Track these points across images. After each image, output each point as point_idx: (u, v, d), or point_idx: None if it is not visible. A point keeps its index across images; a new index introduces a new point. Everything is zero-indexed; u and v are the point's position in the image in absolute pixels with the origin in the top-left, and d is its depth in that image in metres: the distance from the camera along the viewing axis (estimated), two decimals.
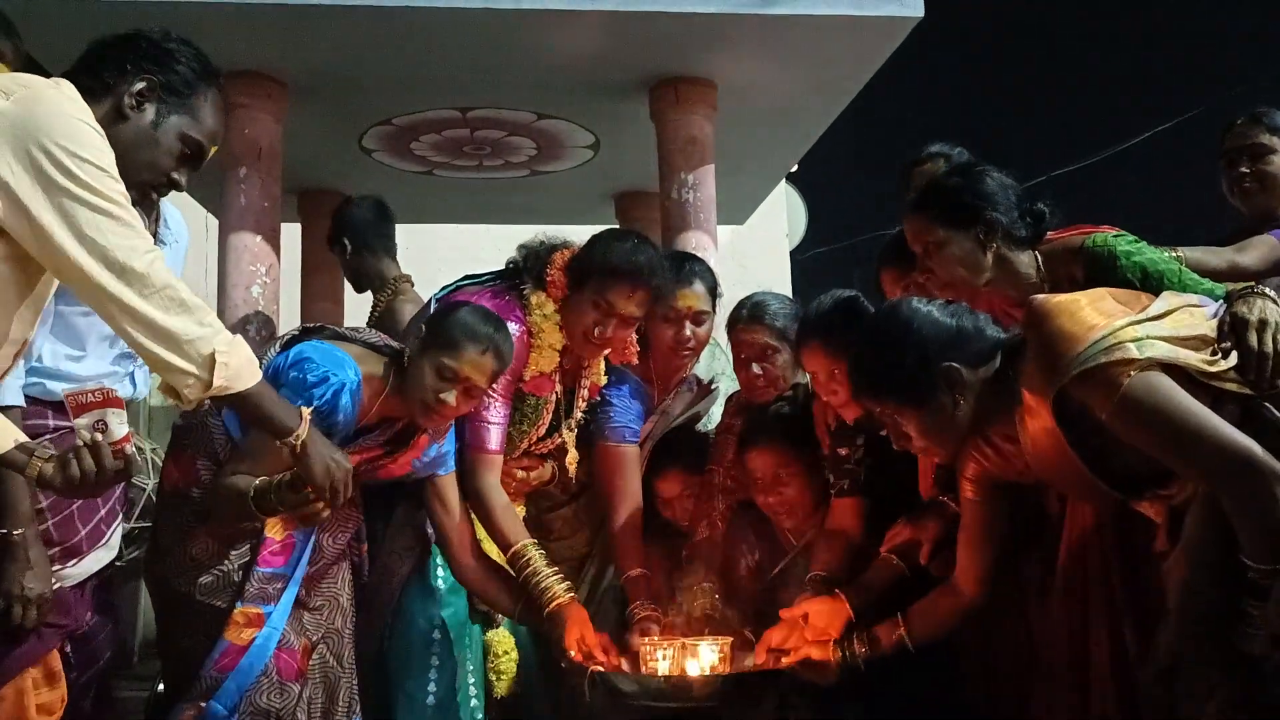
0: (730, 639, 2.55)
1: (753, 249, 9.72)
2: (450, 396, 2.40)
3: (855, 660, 2.33)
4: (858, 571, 2.52)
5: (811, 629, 2.40)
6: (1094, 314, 1.79)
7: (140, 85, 1.86)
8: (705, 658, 2.48)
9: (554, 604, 2.52)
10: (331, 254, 4.25)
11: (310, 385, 2.27)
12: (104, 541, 2.34)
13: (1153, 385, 1.72)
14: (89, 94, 1.81)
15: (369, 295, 4.12)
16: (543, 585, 2.55)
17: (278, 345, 2.47)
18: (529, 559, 2.58)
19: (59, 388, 2.07)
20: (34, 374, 2.20)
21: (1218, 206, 3.26)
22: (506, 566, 2.67)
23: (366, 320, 3.97)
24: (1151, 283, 2.12)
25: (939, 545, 2.40)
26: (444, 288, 2.86)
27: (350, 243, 4.00)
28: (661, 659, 2.48)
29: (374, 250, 4.00)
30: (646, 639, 2.56)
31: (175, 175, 1.92)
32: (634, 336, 2.82)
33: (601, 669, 2.41)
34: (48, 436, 2.11)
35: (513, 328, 2.59)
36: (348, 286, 4.42)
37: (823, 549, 2.64)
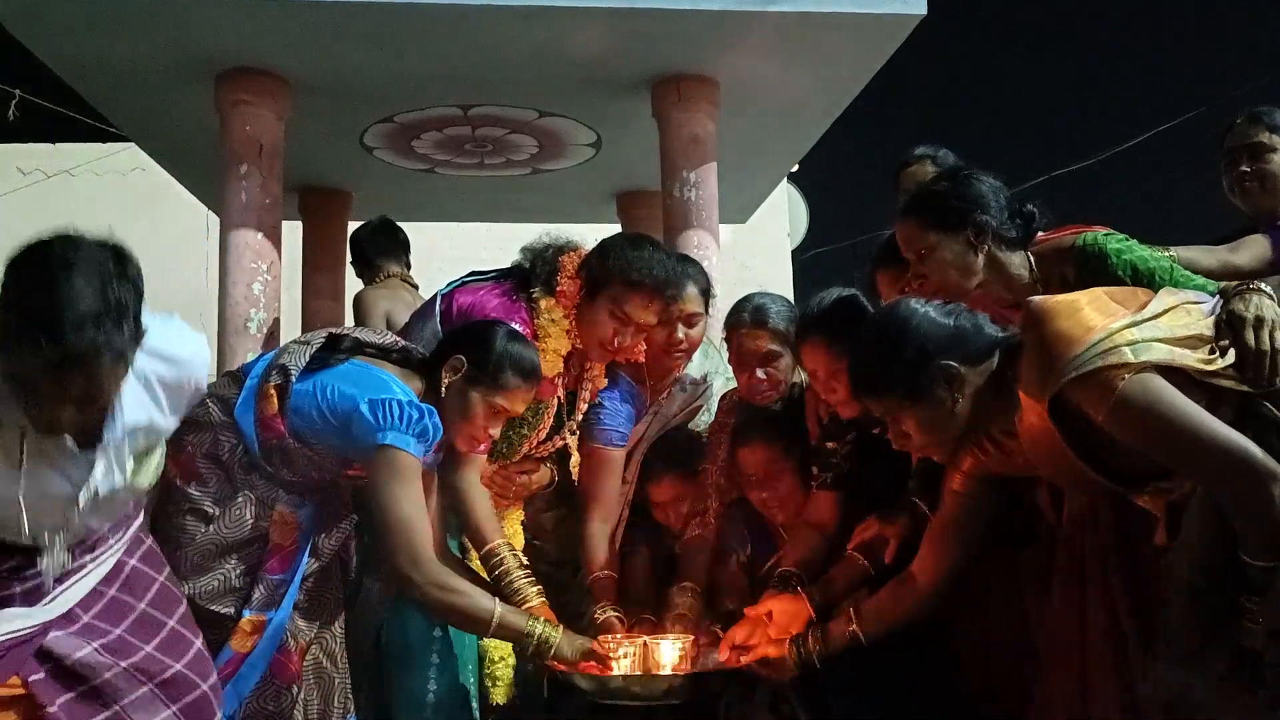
0: (691, 637, 2.55)
1: (754, 248, 9.74)
2: (496, 430, 2.50)
3: (810, 657, 2.33)
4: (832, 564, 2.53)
5: (774, 626, 2.41)
6: (1091, 316, 1.79)
7: None
8: (666, 656, 2.49)
9: (524, 606, 2.51)
10: (332, 251, 4.37)
11: (419, 420, 2.27)
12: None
13: (1146, 387, 1.72)
14: None
15: None
16: (515, 586, 2.53)
17: (306, 353, 2.41)
18: (502, 559, 2.57)
19: None
20: None
21: (1217, 206, 3.27)
22: (479, 569, 2.66)
23: None
24: (1142, 281, 2.13)
25: (906, 545, 2.41)
26: (450, 284, 2.86)
27: (356, 262, 4.83)
28: (623, 657, 2.48)
29: (372, 256, 4.76)
30: (609, 637, 2.56)
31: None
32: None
33: (562, 668, 2.40)
34: None
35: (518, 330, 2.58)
36: (348, 285, 4.49)
37: (796, 543, 2.65)
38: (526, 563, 2.63)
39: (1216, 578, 1.73)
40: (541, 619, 2.40)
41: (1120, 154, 10.97)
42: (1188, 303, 1.86)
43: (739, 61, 4.98)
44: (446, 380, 2.42)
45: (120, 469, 1.97)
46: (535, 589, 2.55)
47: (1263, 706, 1.69)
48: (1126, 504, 1.98)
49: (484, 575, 2.62)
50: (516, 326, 2.58)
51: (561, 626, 2.40)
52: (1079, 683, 2.02)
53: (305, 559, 2.40)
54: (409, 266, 4.77)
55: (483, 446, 2.61)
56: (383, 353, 2.51)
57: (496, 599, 2.39)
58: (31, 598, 1.96)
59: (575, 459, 2.91)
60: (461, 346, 2.47)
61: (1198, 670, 1.76)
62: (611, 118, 5.56)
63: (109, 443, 1.93)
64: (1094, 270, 2.19)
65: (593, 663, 2.39)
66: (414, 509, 2.27)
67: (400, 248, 4.73)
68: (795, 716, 2.44)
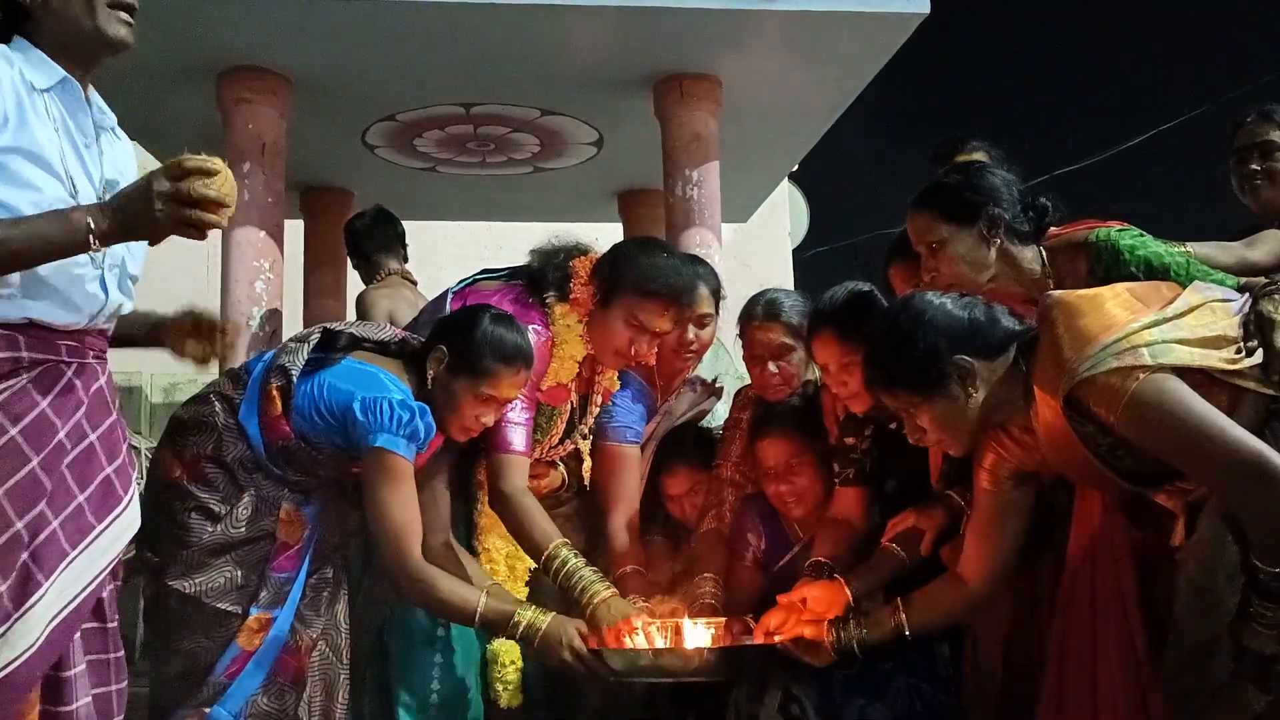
0: (722, 621, 2.53)
1: (755, 247, 9.73)
2: (489, 418, 2.45)
3: (849, 641, 2.31)
4: (861, 561, 2.51)
5: (809, 613, 2.38)
6: (1112, 313, 1.77)
7: None
8: (698, 636, 2.47)
9: (596, 601, 2.43)
10: (334, 250, 4.33)
11: (409, 422, 2.26)
12: (89, 543, 1.85)
13: (1161, 388, 1.69)
14: (23, 17, 1.82)
15: None
16: (581, 585, 2.45)
17: (304, 351, 2.39)
18: (563, 560, 2.49)
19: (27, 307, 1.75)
20: None
21: (1219, 205, 3.26)
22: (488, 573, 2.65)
23: None
24: (1156, 276, 2.11)
25: (943, 537, 2.39)
26: (461, 281, 2.83)
27: (354, 255, 4.55)
28: (656, 638, 2.46)
29: (370, 252, 4.50)
30: (639, 620, 2.53)
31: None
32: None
33: (593, 645, 2.36)
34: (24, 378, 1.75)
35: (535, 335, 2.56)
36: (350, 283, 4.47)
37: (824, 537, 2.63)
38: (584, 560, 2.56)
39: (1226, 578, 1.71)
40: (531, 606, 2.36)
41: (1121, 153, 10.99)
42: (1215, 301, 1.83)
43: (741, 60, 4.97)
44: (431, 372, 2.41)
45: None
46: (603, 583, 2.48)
47: (1269, 710, 1.68)
48: (1139, 510, 1.97)
49: (479, 571, 2.61)
50: (536, 331, 2.57)
51: (552, 614, 2.36)
52: (1090, 689, 2.00)
53: (310, 557, 2.39)
54: (406, 259, 4.69)
55: (524, 444, 2.60)
56: (380, 346, 2.50)
57: (483, 591, 2.38)
58: (76, 533, 1.84)
59: (588, 464, 2.89)
60: (444, 336, 2.46)
61: (1204, 669, 1.75)
62: (613, 116, 5.56)
63: None
64: (1107, 266, 2.17)
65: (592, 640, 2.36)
66: (402, 510, 2.27)
67: (398, 241, 4.61)
68: (805, 717, 2.42)
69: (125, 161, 1.99)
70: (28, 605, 1.72)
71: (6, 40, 1.83)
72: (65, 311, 1.80)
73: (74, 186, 1.82)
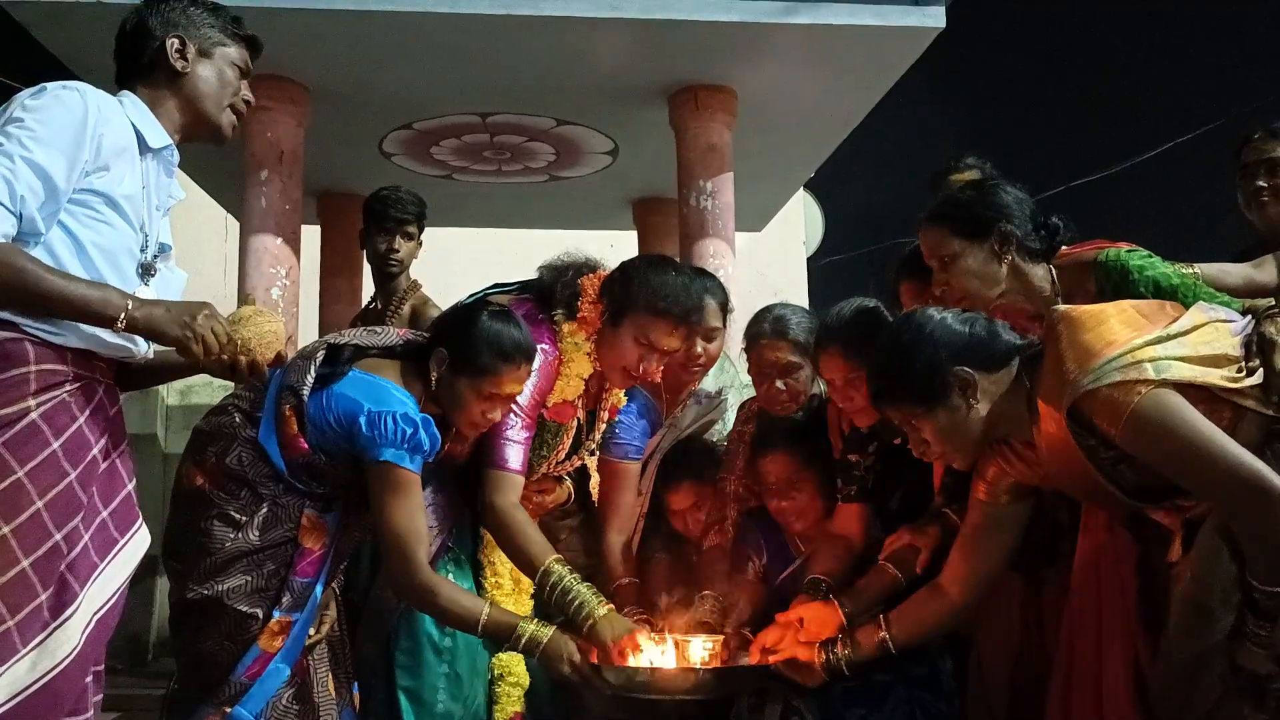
0: (721, 638, 2.54)
1: (770, 256, 9.75)
2: (496, 414, 2.47)
3: (839, 662, 2.33)
4: (859, 577, 2.53)
5: (805, 632, 2.40)
6: (1116, 329, 1.79)
7: (175, 44, 2.03)
8: (695, 654, 2.48)
9: (592, 619, 2.42)
10: (350, 256, 4.29)
11: (413, 435, 2.29)
12: (114, 555, 1.99)
13: (1163, 405, 1.71)
14: (144, 79, 2.04)
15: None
16: (577, 603, 2.44)
17: (311, 369, 2.39)
18: (558, 578, 2.47)
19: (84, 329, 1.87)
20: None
21: (1233, 220, 3.26)
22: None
23: (366, 307, 4.06)
24: (1164, 296, 2.12)
25: (938, 554, 2.40)
26: (471, 295, 2.84)
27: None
28: (654, 656, 2.47)
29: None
30: (640, 636, 2.53)
31: (244, 97, 2.14)
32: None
33: (594, 660, 2.38)
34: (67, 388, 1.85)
35: (543, 354, 2.58)
36: (365, 289, 4.46)
37: (824, 553, 2.65)
38: (578, 576, 2.55)
39: (1221, 595, 1.72)
40: (534, 619, 2.38)
41: (1137, 166, 10.96)
42: (1218, 320, 1.86)
43: (757, 72, 5.00)
44: (434, 374, 2.43)
45: None
46: (600, 600, 2.46)
47: None
48: (1143, 525, 1.98)
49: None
50: (544, 349, 2.58)
51: (554, 627, 2.38)
52: (1096, 705, 2.01)
53: (330, 563, 2.42)
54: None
55: (520, 463, 2.60)
56: (386, 352, 2.51)
57: (487, 601, 2.42)
58: (103, 547, 1.98)
59: (595, 481, 2.91)
60: (443, 337, 2.48)
61: (1194, 686, 1.76)
62: (629, 126, 5.58)
63: None
64: (1115, 285, 2.19)
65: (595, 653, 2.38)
66: (409, 520, 2.31)
67: None
68: None
69: (169, 232, 2.19)
70: (66, 615, 1.83)
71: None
72: (119, 339, 1.93)
73: (145, 240, 2.01)
